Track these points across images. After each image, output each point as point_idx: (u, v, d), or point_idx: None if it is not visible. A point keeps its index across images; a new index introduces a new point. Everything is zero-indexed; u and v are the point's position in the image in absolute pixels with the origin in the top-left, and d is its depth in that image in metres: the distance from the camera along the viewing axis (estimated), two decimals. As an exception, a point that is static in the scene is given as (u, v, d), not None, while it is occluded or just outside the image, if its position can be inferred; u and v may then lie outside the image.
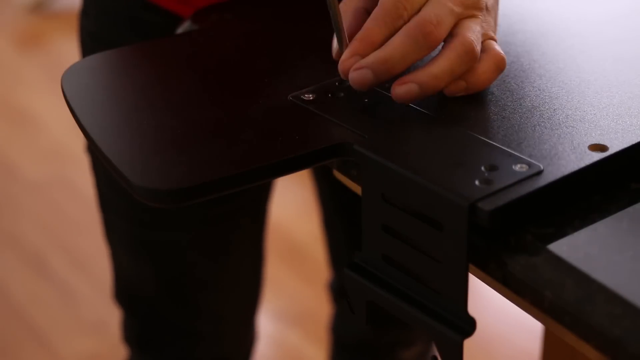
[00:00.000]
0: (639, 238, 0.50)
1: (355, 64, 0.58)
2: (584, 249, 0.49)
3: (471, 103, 0.60)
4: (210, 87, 0.63)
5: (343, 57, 0.58)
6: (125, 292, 1.02)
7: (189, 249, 0.95)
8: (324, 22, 0.71)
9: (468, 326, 0.51)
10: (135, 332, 1.04)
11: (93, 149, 0.57)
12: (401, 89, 0.57)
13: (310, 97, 0.60)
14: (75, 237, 2.03)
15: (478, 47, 0.58)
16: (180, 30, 0.74)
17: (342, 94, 0.60)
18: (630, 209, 0.52)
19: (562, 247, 0.49)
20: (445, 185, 0.50)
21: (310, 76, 0.62)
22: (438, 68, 0.57)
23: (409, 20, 0.58)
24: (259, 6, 0.74)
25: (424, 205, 0.51)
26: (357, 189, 0.56)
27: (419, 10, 0.58)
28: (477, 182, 0.50)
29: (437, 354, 0.53)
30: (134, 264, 0.98)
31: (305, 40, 0.69)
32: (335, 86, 0.61)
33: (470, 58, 0.58)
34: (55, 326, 1.80)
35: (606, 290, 0.46)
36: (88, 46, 0.90)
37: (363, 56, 0.58)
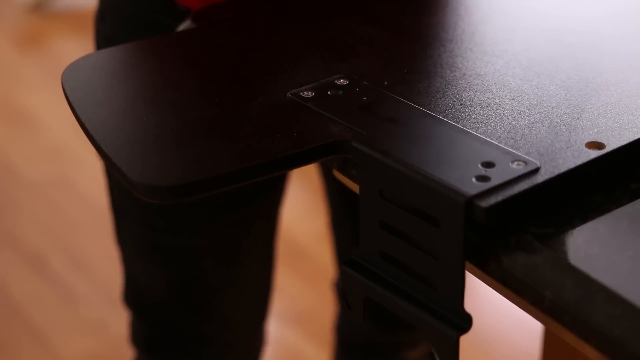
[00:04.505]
0: (639, 238, 0.50)
1: None
2: (584, 249, 0.49)
3: (468, 100, 0.60)
4: (210, 85, 0.63)
5: None
6: (136, 295, 1.02)
7: (202, 255, 0.96)
8: (323, 22, 0.71)
9: (464, 322, 0.51)
10: (144, 335, 1.04)
11: (92, 145, 0.57)
12: None
13: (309, 94, 0.60)
14: (75, 237, 2.04)
15: None
16: (180, 29, 0.74)
17: (340, 92, 0.61)
18: (630, 209, 0.52)
19: (562, 247, 0.49)
20: (442, 182, 0.50)
21: (309, 74, 0.63)
22: None
23: None
24: (259, 6, 0.74)
25: (421, 201, 0.51)
26: (357, 189, 0.57)
27: None
28: (474, 179, 0.50)
29: (434, 351, 0.53)
30: (146, 268, 0.98)
31: (304, 38, 0.69)
32: (334, 84, 0.61)
33: None
34: (55, 326, 1.80)
35: (606, 290, 0.46)
36: None
37: None
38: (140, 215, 0.93)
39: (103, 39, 0.91)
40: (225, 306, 1.00)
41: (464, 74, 0.63)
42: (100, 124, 0.59)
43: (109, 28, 0.90)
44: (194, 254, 0.95)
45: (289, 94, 0.60)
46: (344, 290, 0.57)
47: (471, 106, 0.59)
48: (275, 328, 1.81)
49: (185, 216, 0.92)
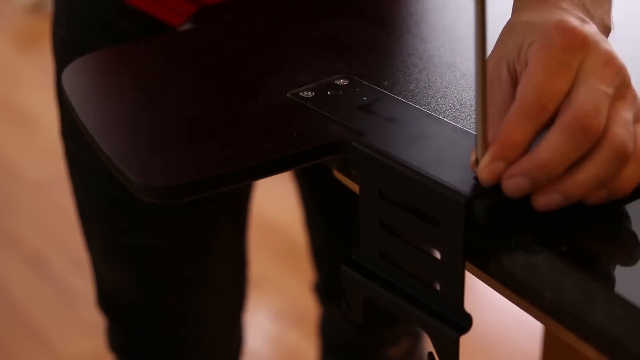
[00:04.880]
0: (639, 238, 0.50)
1: (497, 170, 0.49)
2: (584, 248, 0.49)
3: (469, 100, 0.60)
4: (210, 85, 0.63)
5: (483, 162, 0.50)
6: (107, 299, 1.01)
7: (168, 255, 0.95)
8: (323, 22, 0.71)
9: (464, 322, 0.51)
10: (119, 339, 1.03)
11: (92, 146, 0.57)
12: (543, 200, 0.49)
13: (309, 94, 0.60)
14: (75, 237, 2.03)
15: (631, 144, 0.49)
16: (180, 29, 0.74)
17: (340, 92, 0.61)
18: (629, 209, 0.52)
19: (562, 247, 0.49)
20: (442, 182, 0.50)
21: (309, 74, 0.63)
22: (585, 175, 0.49)
23: (554, 110, 0.50)
24: (259, 6, 0.74)
25: (421, 201, 0.51)
26: (357, 189, 0.57)
27: (565, 96, 0.50)
28: (474, 179, 0.50)
29: (433, 350, 0.53)
30: (114, 270, 0.98)
31: (304, 39, 0.69)
32: (334, 84, 0.61)
33: (621, 162, 0.49)
34: (55, 326, 1.80)
35: (606, 290, 0.46)
36: (60, 52, 0.91)
37: (506, 161, 0.49)
38: (105, 217, 0.93)
39: (59, 42, 0.91)
40: (197, 306, 0.99)
41: (464, 74, 0.63)
42: (100, 124, 0.59)
43: (64, 30, 0.90)
44: (158, 254, 0.94)
45: (289, 94, 0.60)
46: (344, 290, 0.57)
47: (471, 106, 0.59)
48: (275, 328, 1.81)
49: (147, 216, 0.91)
